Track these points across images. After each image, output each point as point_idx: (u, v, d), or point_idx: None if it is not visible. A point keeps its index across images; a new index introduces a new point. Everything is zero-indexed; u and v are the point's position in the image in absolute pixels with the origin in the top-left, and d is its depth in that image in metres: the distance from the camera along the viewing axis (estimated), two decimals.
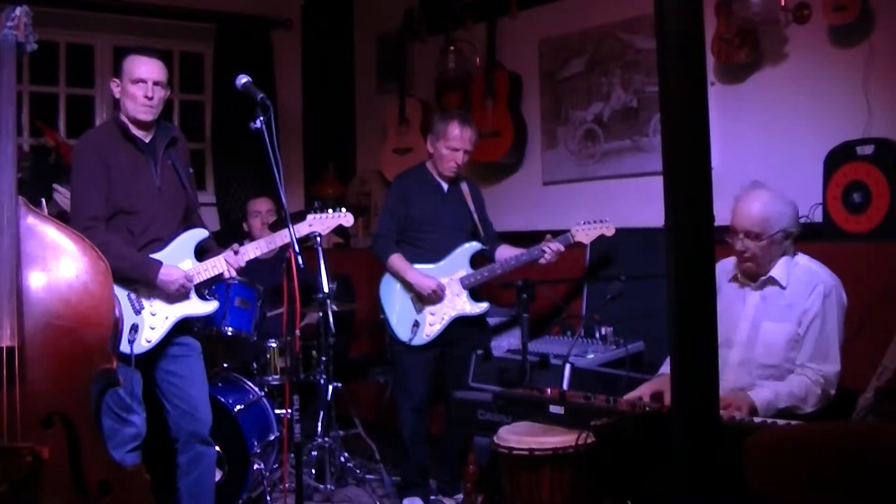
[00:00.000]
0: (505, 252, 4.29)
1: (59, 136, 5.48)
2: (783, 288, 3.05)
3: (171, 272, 3.30)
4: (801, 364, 2.97)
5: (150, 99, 3.31)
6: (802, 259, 3.11)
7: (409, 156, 5.81)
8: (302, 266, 3.33)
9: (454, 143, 4.21)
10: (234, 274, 3.48)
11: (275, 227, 4.54)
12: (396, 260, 4.22)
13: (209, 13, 6.11)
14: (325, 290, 3.97)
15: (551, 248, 4.12)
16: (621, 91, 4.84)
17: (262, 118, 3.30)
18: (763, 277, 3.09)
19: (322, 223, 3.83)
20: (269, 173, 3.26)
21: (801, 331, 2.98)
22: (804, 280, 3.03)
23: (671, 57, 1.86)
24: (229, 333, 4.33)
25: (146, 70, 3.32)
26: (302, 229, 3.73)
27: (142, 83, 3.30)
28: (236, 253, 3.45)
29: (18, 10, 2.89)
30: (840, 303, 3.02)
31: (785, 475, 1.94)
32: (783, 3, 3.87)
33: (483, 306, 4.28)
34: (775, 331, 3.02)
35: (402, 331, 4.21)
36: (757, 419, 2.70)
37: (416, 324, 4.17)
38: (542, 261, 4.16)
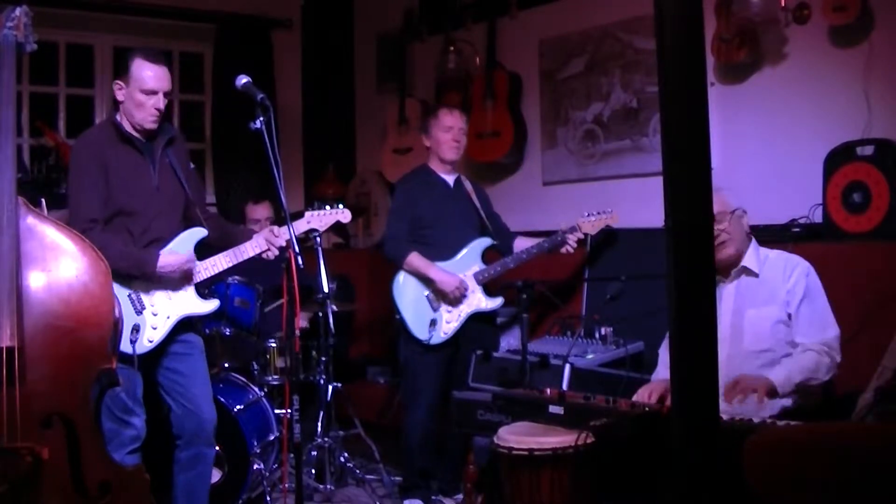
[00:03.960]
0: (523, 244, 4.34)
1: (59, 136, 5.48)
2: (757, 275, 3.15)
3: (169, 259, 3.30)
4: (801, 342, 3.04)
5: (160, 111, 3.29)
6: (769, 251, 3.23)
7: (409, 156, 5.81)
8: (302, 266, 3.33)
9: (446, 121, 4.26)
10: (276, 252, 3.47)
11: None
12: (415, 258, 4.21)
13: (209, 13, 6.11)
14: (325, 290, 3.97)
15: (574, 236, 4.22)
16: (621, 91, 4.84)
17: (262, 118, 3.29)
18: (736, 269, 3.16)
19: (320, 220, 3.79)
20: (269, 173, 3.26)
21: (790, 311, 3.06)
22: (780, 265, 3.14)
23: (671, 57, 1.86)
24: (229, 333, 4.33)
25: (157, 81, 3.27)
26: (300, 226, 3.71)
27: (153, 95, 3.26)
28: (277, 235, 3.46)
29: (18, 11, 2.88)
30: (818, 280, 3.12)
31: (785, 475, 1.94)
32: (783, 3, 3.87)
33: (498, 301, 4.30)
34: (760, 316, 3.09)
35: (419, 330, 4.19)
36: (756, 419, 2.71)
37: (433, 322, 4.17)
38: (564, 250, 4.25)
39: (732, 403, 2.82)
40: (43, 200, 2.98)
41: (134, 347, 3.20)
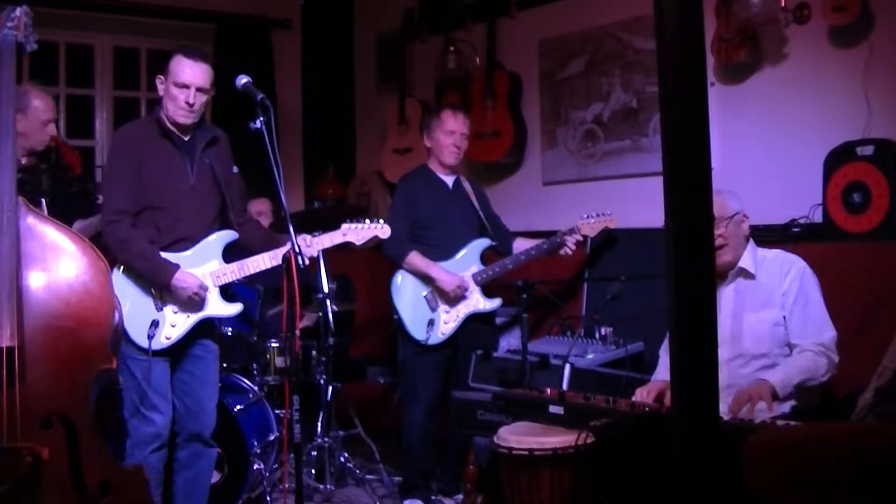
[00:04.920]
0: (522, 245, 4.35)
1: (60, 136, 5.47)
2: (753, 277, 3.13)
3: (185, 279, 3.29)
4: (797, 343, 3.03)
5: (191, 105, 3.30)
6: (766, 251, 3.20)
7: (409, 156, 5.81)
8: (302, 266, 3.33)
9: (449, 125, 4.25)
10: (306, 262, 3.39)
11: (275, 228, 4.54)
12: (415, 257, 4.20)
13: (209, 13, 6.11)
14: (325, 290, 3.96)
15: (573, 238, 4.22)
16: (621, 91, 4.84)
17: (261, 118, 3.29)
18: (733, 270, 3.14)
19: (357, 233, 3.73)
20: (269, 173, 3.26)
21: (785, 312, 3.04)
22: (776, 266, 3.13)
23: (671, 57, 1.86)
24: (229, 333, 4.33)
25: (191, 75, 3.30)
26: (335, 238, 3.68)
27: (185, 88, 3.29)
28: (309, 245, 3.48)
29: (18, 11, 2.88)
30: (816, 282, 3.10)
31: (785, 475, 1.94)
32: (783, 3, 3.87)
33: (496, 302, 4.30)
34: (759, 320, 3.08)
35: (417, 330, 4.19)
36: (756, 419, 2.71)
37: (431, 322, 4.16)
38: (563, 252, 4.25)
39: (741, 414, 2.82)
40: (43, 200, 2.98)
41: (150, 343, 3.21)
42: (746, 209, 3.22)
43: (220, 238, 3.45)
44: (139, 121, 3.50)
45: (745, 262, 3.15)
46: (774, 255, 3.18)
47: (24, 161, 4.05)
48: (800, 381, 2.94)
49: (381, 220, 3.80)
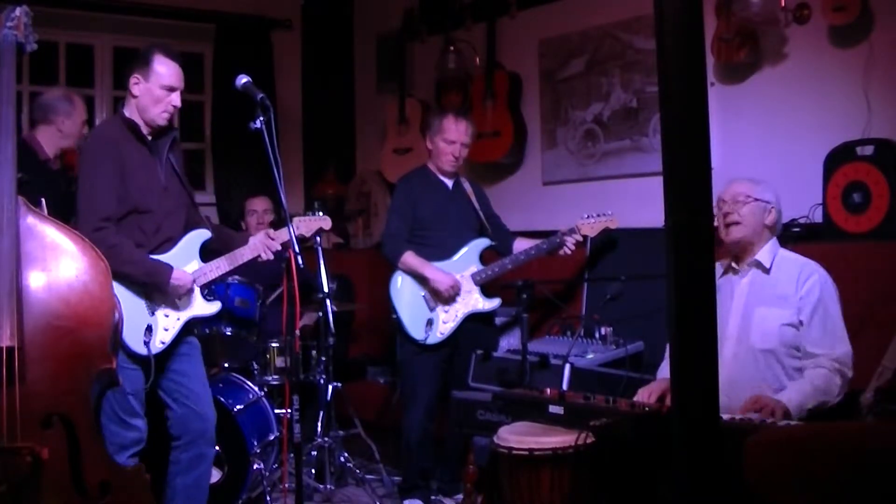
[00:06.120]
0: (522, 245, 4.35)
1: None
2: (767, 272, 3.11)
3: (181, 277, 3.30)
4: (812, 354, 3.00)
5: (176, 108, 3.30)
6: (789, 253, 3.19)
7: (409, 156, 5.81)
8: (302, 266, 3.33)
9: (450, 135, 4.24)
10: (270, 256, 3.49)
11: (275, 227, 4.54)
12: (410, 257, 4.21)
13: (209, 13, 6.11)
14: (325, 289, 3.97)
15: (573, 238, 4.22)
16: (621, 91, 4.84)
17: (261, 118, 3.29)
18: (748, 261, 3.13)
19: (306, 225, 3.82)
20: (269, 173, 3.26)
21: (802, 318, 3.02)
22: (794, 268, 3.10)
23: (671, 57, 1.86)
24: (229, 333, 4.33)
25: (178, 79, 3.29)
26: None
27: (172, 91, 3.27)
28: (273, 238, 3.49)
29: (18, 10, 2.88)
30: (836, 290, 3.08)
31: (785, 475, 1.94)
32: (783, 3, 3.87)
33: (495, 302, 4.30)
34: (769, 316, 3.06)
35: (415, 330, 4.19)
36: (756, 419, 2.71)
37: (430, 322, 4.17)
38: (562, 252, 4.25)
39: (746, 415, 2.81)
40: (43, 200, 2.98)
41: (148, 348, 3.21)
42: (777, 205, 3.19)
43: (196, 237, 3.44)
44: (111, 123, 3.40)
45: (762, 255, 3.13)
46: (796, 258, 3.15)
47: (55, 166, 4.12)
48: (814, 405, 2.91)
49: (321, 213, 3.90)
